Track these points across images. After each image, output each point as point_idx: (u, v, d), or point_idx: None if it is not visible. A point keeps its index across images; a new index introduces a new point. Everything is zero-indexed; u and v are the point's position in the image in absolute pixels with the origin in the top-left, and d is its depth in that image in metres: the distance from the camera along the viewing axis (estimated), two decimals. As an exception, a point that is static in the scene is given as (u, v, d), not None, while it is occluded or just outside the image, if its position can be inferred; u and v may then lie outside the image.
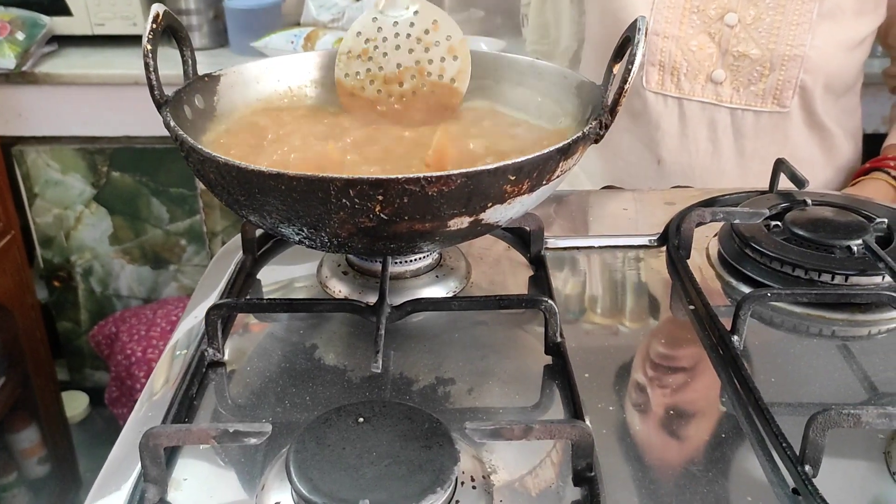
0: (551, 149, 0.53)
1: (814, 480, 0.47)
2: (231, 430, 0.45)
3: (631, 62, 0.55)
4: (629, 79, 0.56)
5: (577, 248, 0.77)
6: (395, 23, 0.72)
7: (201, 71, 0.67)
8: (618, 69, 0.60)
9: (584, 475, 0.47)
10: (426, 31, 0.71)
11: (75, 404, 1.95)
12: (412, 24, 0.72)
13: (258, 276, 0.72)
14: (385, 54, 0.72)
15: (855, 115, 1.09)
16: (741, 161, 1.03)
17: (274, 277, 0.73)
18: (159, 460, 0.46)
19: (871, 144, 1.13)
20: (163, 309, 1.83)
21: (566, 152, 0.54)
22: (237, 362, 0.61)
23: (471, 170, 0.50)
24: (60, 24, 1.76)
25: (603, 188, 1.11)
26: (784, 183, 0.80)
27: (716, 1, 0.97)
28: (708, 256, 0.75)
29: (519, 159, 0.52)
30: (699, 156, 1.04)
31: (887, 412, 0.47)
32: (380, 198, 0.50)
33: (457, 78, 0.71)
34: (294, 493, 0.43)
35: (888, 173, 1.00)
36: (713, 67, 0.99)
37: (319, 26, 1.77)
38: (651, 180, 1.07)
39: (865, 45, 1.00)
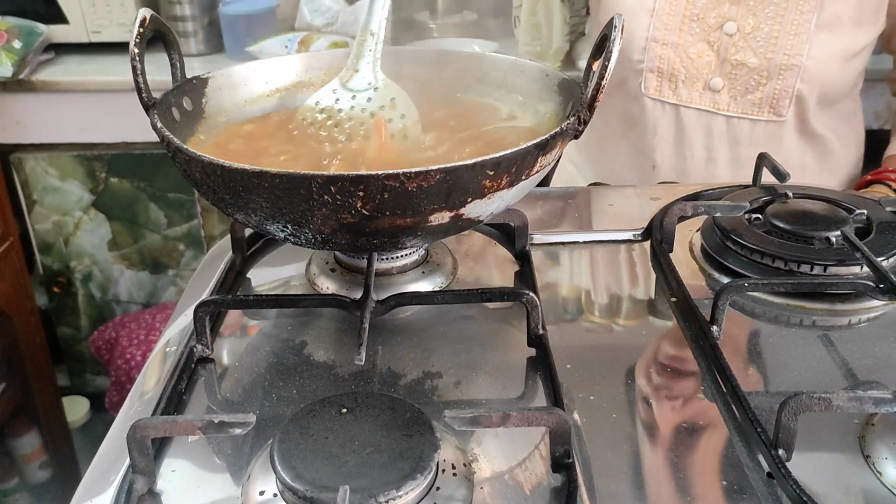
0: (529, 144, 0.54)
1: (787, 464, 0.47)
2: (216, 421, 0.46)
3: (608, 59, 0.57)
4: (605, 75, 0.57)
5: (563, 243, 0.78)
6: (354, 96, 0.72)
7: (197, 76, 0.69)
8: (597, 66, 0.61)
9: (563, 461, 0.48)
10: (381, 108, 0.72)
11: (76, 409, 1.97)
12: (369, 100, 0.72)
13: (248, 276, 0.73)
14: (336, 125, 0.71)
15: (852, 120, 1.09)
16: (735, 168, 1.04)
17: (263, 276, 0.74)
18: (147, 452, 0.47)
19: (867, 141, 1.13)
20: (162, 313, 1.84)
21: (544, 147, 0.56)
22: (226, 358, 0.62)
23: (449, 165, 0.51)
24: (57, 32, 1.78)
25: (590, 185, 1.12)
26: (769, 179, 0.81)
27: (716, 10, 0.98)
28: (691, 250, 0.76)
29: (496, 154, 0.53)
30: (694, 162, 1.05)
31: (858, 396, 0.48)
32: (360, 194, 0.51)
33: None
34: (278, 481, 0.44)
35: (889, 186, 1.00)
36: (711, 75, 1.00)
37: (313, 31, 1.79)
38: (644, 185, 1.07)
39: (863, 55, 1.00)
